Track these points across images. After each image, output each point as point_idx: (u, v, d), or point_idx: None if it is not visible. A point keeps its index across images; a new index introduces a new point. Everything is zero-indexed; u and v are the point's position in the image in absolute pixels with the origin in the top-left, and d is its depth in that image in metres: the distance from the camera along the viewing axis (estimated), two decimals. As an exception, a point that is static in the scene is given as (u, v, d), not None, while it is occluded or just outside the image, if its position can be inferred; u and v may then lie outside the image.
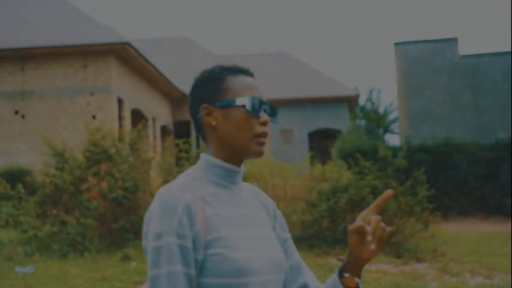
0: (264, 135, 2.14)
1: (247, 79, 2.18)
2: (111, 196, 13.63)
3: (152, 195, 14.30)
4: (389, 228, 2.05)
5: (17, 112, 18.94)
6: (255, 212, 2.22)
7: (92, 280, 10.47)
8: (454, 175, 20.67)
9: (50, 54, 18.84)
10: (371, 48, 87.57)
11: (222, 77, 2.16)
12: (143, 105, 22.14)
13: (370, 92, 41.64)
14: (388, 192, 2.09)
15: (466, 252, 13.89)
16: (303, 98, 30.07)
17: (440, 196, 19.53)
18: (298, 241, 13.63)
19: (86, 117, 18.40)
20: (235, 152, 2.15)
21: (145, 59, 20.44)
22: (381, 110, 40.82)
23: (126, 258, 12.16)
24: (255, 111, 2.13)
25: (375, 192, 13.90)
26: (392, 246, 13.46)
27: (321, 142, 31.79)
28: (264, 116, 2.15)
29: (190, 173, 2.17)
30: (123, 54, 19.34)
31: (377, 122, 39.33)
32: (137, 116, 22.09)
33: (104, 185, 14.09)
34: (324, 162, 21.27)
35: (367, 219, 2.08)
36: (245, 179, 15.29)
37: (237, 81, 2.15)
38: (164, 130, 25.98)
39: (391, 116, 40.68)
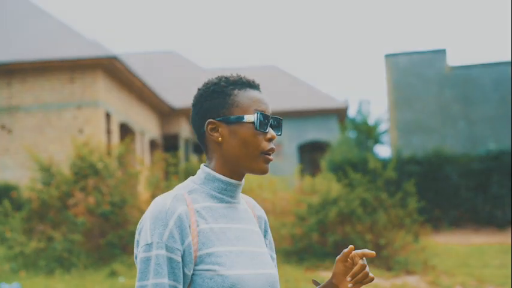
0: (271, 150, 2.11)
1: (253, 93, 2.14)
2: (99, 211, 13.51)
3: (140, 210, 14.18)
4: (371, 276, 2.10)
5: (3, 127, 18.79)
6: (251, 227, 2.19)
7: (78, 297, 10.33)
8: (445, 186, 20.60)
9: (37, 68, 18.72)
10: (361, 60, 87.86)
11: (229, 91, 2.12)
12: (131, 119, 22.02)
13: (360, 103, 41.68)
14: (350, 247, 2.15)
15: (457, 264, 13.80)
16: (293, 110, 30.02)
17: (430, 208, 19.45)
18: (287, 255, 13.51)
19: (73, 131, 18.27)
20: (240, 168, 2.12)
21: (133, 73, 20.34)
22: (371, 121, 40.84)
23: (113, 273, 12.04)
24: (262, 127, 2.09)
25: (365, 205, 13.81)
26: (383, 259, 13.35)
27: (310, 154, 31.73)
28: (271, 132, 2.11)
29: (188, 184, 2.14)
30: (111, 68, 19.23)
31: (367, 133, 39.33)
32: (125, 130, 21.97)
33: (91, 200, 13.98)
34: (313, 175, 21.18)
35: (352, 258, 2.14)
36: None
37: (243, 96, 2.11)
38: (152, 144, 25.86)
39: (382, 128, 40.70)
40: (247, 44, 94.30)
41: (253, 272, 2.06)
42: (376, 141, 40.55)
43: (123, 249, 13.43)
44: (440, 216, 20.34)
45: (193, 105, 2.17)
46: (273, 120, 2.14)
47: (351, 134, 37.81)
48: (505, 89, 25.11)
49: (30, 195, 13.98)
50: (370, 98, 73.08)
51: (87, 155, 14.14)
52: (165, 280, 1.93)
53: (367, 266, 2.11)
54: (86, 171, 14.00)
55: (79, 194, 14.08)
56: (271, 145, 2.12)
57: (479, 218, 20.47)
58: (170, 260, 1.95)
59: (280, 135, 2.20)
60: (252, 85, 2.16)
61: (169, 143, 26.78)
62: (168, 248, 1.95)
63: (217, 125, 2.10)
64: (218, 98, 2.11)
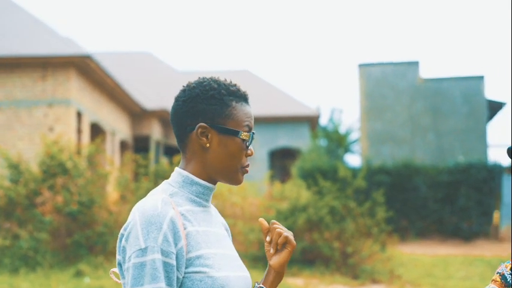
0: (248, 165, 2.17)
1: (247, 108, 2.18)
2: (66, 210, 13.43)
3: (108, 211, 14.11)
4: (286, 234, 2.14)
5: (-28, 122, 18.57)
6: (223, 232, 2.22)
7: (43, 296, 10.24)
8: (413, 197, 20.75)
9: (8, 64, 18.53)
10: (334, 68, 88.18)
11: (228, 101, 2.13)
12: (102, 119, 21.90)
13: (332, 111, 41.80)
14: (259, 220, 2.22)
15: (423, 274, 13.91)
16: (264, 116, 30.03)
17: (398, 218, 19.57)
18: (255, 260, 13.52)
19: (43, 129, 18.11)
20: (219, 177, 2.15)
21: (106, 73, 20.21)
22: (343, 130, 40.97)
23: (79, 274, 11.97)
24: (249, 145, 2.15)
25: (334, 213, 13.88)
26: (350, 267, 13.41)
27: (281, 161, 31.76)
28: (251, 148, 2.17)
29: (167, 188, 2.13)
30: (84, 67, 19.10)
31: (338, 142, 39.44)
32: (96, 130, 21.83)
33: (60, 198, 13.88)
34: (283, 181, 21.21)
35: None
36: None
37: (240, 110, 2.15)
38: (123, 145, 25.72)
39: (353, 137, 40.84)
40: (221, 47, 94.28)
41: (236, 275, 2.09)
42: (347, 150, 40.68)
43: (89, 249, 13.35)
44: (407, 227, 20.48)
45: (184, 101, 2.14)
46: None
47: (322, 142, 37.88)
48: (474, 103, 25.37)
49: (-3, 192, 13.83)
50: (342, 106, 73.37)
51: (56, 154, 14.04)
52: (162, 284, 1.92)
53: (281, 228, 2.15)
54: (54, 169, 13.91)
55: (47, 193, 13.97)
56: (248, 160, 2.18)
57: (446, 229, 20.64)
58: (165, 265, 1.94)
59: None
60: (246, 99, 2.19)
61: (140, 145, 26.66)
62: (163, 252, 1.94)
63: (208, 131, 2.11)
64: (216, 105, 2.11)
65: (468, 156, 23.20)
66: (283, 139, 30.37)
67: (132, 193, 14.61)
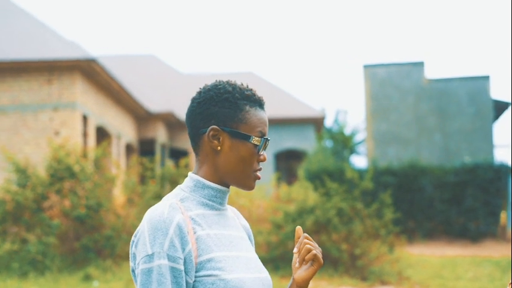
0: (260, 170, 2.17)
1: (261, 113, 2.17)
2: (74, 214, 13.43)
3: (116, 214, 14.11)
4: (314, 252, 2.12)
5: (-22, 127, 18.59)
6: (240, 234, 2.22)
7: (52, 300, 10.23)
8: (420, 198, 20.70)
9: (14, 68, 18.55)
10: (339, 70, 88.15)
11: (241, 105, 2.13)
12: (108, 123, 21.91)
13: (337, 113, 41.80)
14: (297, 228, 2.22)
15: (431, 275, 13.87)
16: (270, 118, 29.90)
17: (405, 219, 19.54)
18: (263, 262, 13.48)
19: (49, 133, 18.11)
20: (230, 181, 2.15)
21: (111, 76, 20.22)
22: (348, 131, 40.96)
23: (87, 277, 11.96)
24: (261, 150, 2.14)
25: (341, 214, 13.85)
26: (358, 269, 13.39)
27: (287, 163, 31.75)
28: (264, 153, 2.17)
29: (178, 193, 2.14)
30: (89, 70, 19.11)
31: (343, 143, 39.43)
32: (101, 133, 21.84)
33: (67, 202, 13.89)
34: (290, 183, 21.20)
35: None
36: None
37: (253, 115, 2.14)
38: (129, 148, 25.73)
39: (358, 138, 40.84)
40: (226, 49, 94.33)
41: (251, 276, 2.08)
42: (352, 151, 40.67)
43: (97, 253, 13.36)
44: (414, 228, 20.43)
45: (199, 103, 2.15)
46: (267, 143, 2.18)
47: (328, 144, 37.87)
48: (480, 103, 25.33)
49: (5, 197, 13.84)
50: (347, 107, 73.32)
51: (63, 158, 14.05)
52: None
53: (311, 244, 2.14)
54: (62, 173, 13.92)
55: (54, 197, 13.98)
56: (260, 165, 2.17)
57: (453, 230, 20.59)
58: (173, 270, 1.95)
59: None
60: (261, 104, 2.18)
61: (146, 148, 26.66)
62: (169, 258, 1.95)
63: (220, 134, 2.11)
64: (229, 108, 2.11)
65: (474, 157, 23.16)
66: (289, 141, 30.35)
67: (139, 196, 14.61)
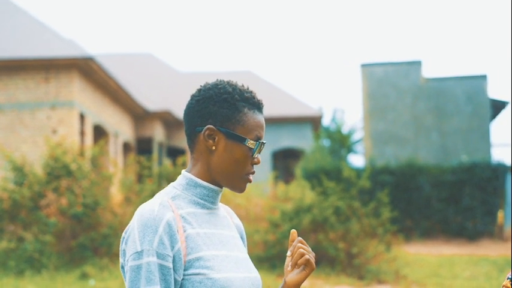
0: (253, 174, 2.16)
1: (259, 117, 2.16)
2: (71, 212, 13.42)
3: (113, 212, 14.10)
4: (307, 257, 2.13)
5: (-25, 125, 18.57)
6: (232, 233, 2.22)
7: (49, 299, 10.22)
8: (417, 197, 20.71)
9: (11, 67, 18.52)
10: (336, 69, 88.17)
11: (240, 107, 2.12)
12: (105, 121, 21.89)
13: (334, 112, 41.80)
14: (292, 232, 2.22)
15: (428, 274, 13.88)
16: (267, 117, 29.94)
17: (402, 218, 19.54)
18: (260, 261, 13.50)
19: (46, 131, 18.09)
20: (222, 182, 2.14)
21: (109, 75, 20.21)
22: (345, 130, 40.96)
23: (84, 276, 11.96)
24: (255, 154, 2.13)
25: (338, 213, 13.85)
26: (355, 268, 13.39)
27: (284, 162, 31.75)
28: (258, 157, 2.15)
29: (170, 191, 2.13)
30: (86, 69, 19.09)
31: (341, 142, 39.42)
32: (99, 132, 21.82)
33: (64, 201, 13.87)
34: (287, 182, 21.18)
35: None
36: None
37: (251, 118, 2.13)
38: (126, 146, 25.70)
39: (355, 137, 40.84)
40: (224, 48, 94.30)
41: (240, 276, 2.08)
42: (350, 150, 40.68)
43: (94, 251, 13.35)
44: (411, 227, 20.44)
45: (197, 101, 2.14)
46: (263, 146, 2.17)
47: (325, 142, 37.87)
48: (478, 102, 25.34)
49: (2, 195, 13.82)
50: (345, 107, 73.38)
51: (60, 156, 14.03)
52: (157, 287, 1.93)
53: (305, 248, 2.15)
54: (59, 171, 13.90)
55: (51, 195, 13.97)
56: (254, 168, 2.16)
57: (450, 229, 20.59)
58: (161, 267, 1.95)
59: None
60: (260, 107, 2.17)
61: (143, 146, 26.65)
62: (158, 255, 1.95)
63: (216, 134, 2.11)
64: (228, 109, 2.11)
65: (472, 156, 23.17)
66: (286, 140, 30.35)
67: (137, 195, 14.60)
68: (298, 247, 2.14)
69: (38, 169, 14.80)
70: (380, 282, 12.93)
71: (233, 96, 2.12)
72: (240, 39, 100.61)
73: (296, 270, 2.15)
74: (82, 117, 19.44)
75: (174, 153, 27.83)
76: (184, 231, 2.02)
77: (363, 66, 26.13)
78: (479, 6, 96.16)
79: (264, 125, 2.17)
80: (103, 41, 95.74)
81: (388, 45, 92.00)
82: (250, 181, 2.16)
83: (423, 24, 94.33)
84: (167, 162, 17.29)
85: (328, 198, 14.16)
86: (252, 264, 2.21)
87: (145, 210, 2.00)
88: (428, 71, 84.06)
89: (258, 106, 2.16)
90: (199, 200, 2.13)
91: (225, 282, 2.01)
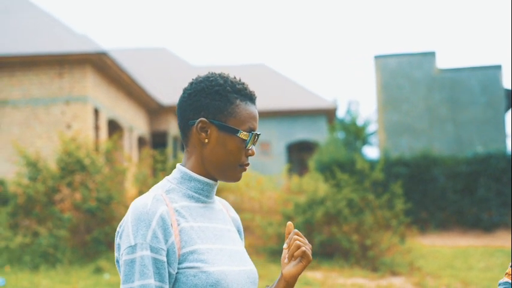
0: (248, 165, 2.16)
1: (251, 108, 2.15)
2: (85, 207, 13.48)
3: (126, 207, 14.14)
4: (303, 248, 2.12)
5: (-10, 121, 18.68)
6: (227, 227, 2.21)
7: (63, 293, 10.28)
8: (432, 189, 20.63)
9: (26, 62, 18.61)
10: (350, 60, 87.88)
11: (232, 98, 2.12)
12: (120, 116, 21.95)
13: (349, 104, 41.73)
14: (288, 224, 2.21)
15: (443, 266, 13.84)
16: (282, 110, 30.00)
17: (417, 210, 19.48)
18: (273, 254, 13.52)
19: (60, 126, 18.17)
20: (215, 174, 2.14)
21: (122, 69, 20.26)
22: (360, 122, 40.89)
23: (99, 270, 12.01)
24: (249, 145, 2.12)
25: (352, 205, 13.83)
26: (369, 260, 13.37)
27: (299, 154, 31.73)
28: (252, 149, 2.15)
29: (164, 184, 2.14)
30: (100, 64, 19.15)
31: (355, 134, 39.36)
32: (113, 126, 21.89)
33: (78, 195, 13.94)
34: (301, 175, 21.18)
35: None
36: (221, 191, 15.18)
37: (243, 109, 2.12)
38: (141, 141, 25.78)
39: (370, 129, 40.76)
40: (237, 42, 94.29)
41: (235, 269, 2.08)
42: (365, 142, 40.60)
43: (108, 245, 13.40)
44: (426, 218, 20.37)
45: (189, 94, 2.15)
46: (257, 137, 2.16)
47: (340, 135, 37.81)
48: (492, 93, 25.20)
49: (16, 190, 13.92)
50: (359, 98, 73.16)
51: (74, 151, 14.09)
52: (152, 281, 1.93)
53: (301, 240, 2.14)
54: (72, 166, 13.97)
55: (65, 190, 14.04)
56: (248, 160, 2.16)
57: (466, 220, 20.50)
58: (155, 261, 1.95)
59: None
60: (252, 99, 2.16)
61: (158, 140, 26.72)
62: (152, 249, 1.95)
63: (208, 127, 2.10)
64: (219, 101, 2.10)
65: (487, 147, 23.05)
66: (301, 132, 30.32)
67: (150, 188, 14.63)
68: (295, 239, 2.14)
69: (52, 164, 14.88)
70: (394, 274, 12.91)
71: (225, 88, 2.11)
72: (254, 32, 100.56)
73: (293, 263, 2.15)
74: (96, 112, 19.51)
75: (189, 147, 27.83)
76: (178, 224, 2.02)
77: (377, 57, 26.04)
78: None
79: (257, 116, 2.16)
80: (116, 36, 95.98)
81: (401, 36, 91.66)
82: (245, 170, 2.17)
83: (437, 14, 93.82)
84: (182, 155, 17.31)
85: (341, 190, 14.15)
86: (248, 257, 2.21)
87: (139, 204, 2.00)
88: (443, 62, 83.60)
89: (250, 97, 2.15)
90: (194, 194, 2.13)
91: (219, 275, 2.01)
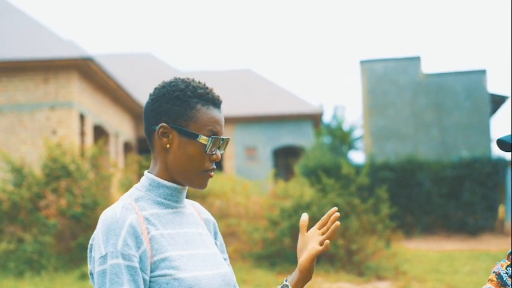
0: (213, 170, 2.13)
1: (214, 112, 2.12)
2: (70, 213, 13.43)
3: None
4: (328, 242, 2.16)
5: (-25, 127, 18.59)
6: (199, 230, 2.19)
7: (47, 299, 10.24)
8: (417, 193, 20.71)
9: (10, 68, 18.54)
10: (336, 65, 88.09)
11: (192, 103, 2.10)
12: (105, 121, 21.91)
13: (335, 109, 41.80)
14: (333, 210, 2.26)
15: (428, 270, 13.88)
16: (268, 115, 30.02)
17: (403, 214, 19.54)
18: (259, 259, 13.51)
19: (46, 132, 18.11)
20: (180, 178, 2.12)
21: (108, 75, 20.22)
22: (346, 127, 40.97)
23: (84, 276, 11.97)
24: (211, 150, 2.10)
25: (338, 210, 13.82)
26: (354, 264, 13.39)
27: (285, 159, 31.75)
28: (217, 153, 2.12)
29: (133, 192, 2.12)
30: (86, 69, 19.11)
31: (341, 139, 39.43)
32: (99, 132, 21.84)
33: (63, 201, 13.89)
34: (287, 180, 21.19)
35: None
36: (207, 196, 15.18)
37: (204, 113, 2.10)
38: (127, 146, 25.74)
39: (356, 133, 40.84)
40: (223, 47, 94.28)
41: (208, 273, 2.06)
42: (351, 147, 40.67)
43: (94, 251, 13.34)
44: (412, 223, 20.44)
45: (152, 99, 2.14)
46: (223, 142, 2.14)
47: (326, 140, 37.86)
48: (477, 97, 25.31)
49: (1, 196, 13.84)
50: (345, 103, 73.37)
51: (59, 157, 14.04)
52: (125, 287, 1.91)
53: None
54: (58, 172, 13.92)
55: (51, 196, 13.99)
56: (214, 165, 2.13)
57: (451, 224, 20.60)
58: (128, 268, 1.93)
59: (223, 152, 2.20)
60: (216, 103, 2.14)
61: (144, 146, 26.66)
62: (124, 256, 1.93)
63: (169, 132, 2.09)
64: (180, 106, 2.09)
65: (472, 151, 23.16)
66: (287, 137, 30.34)
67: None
68: (337, 226, 2.21)
69: (37, 170, 14.82)
70: (380, 278, 12.94)
71: (185, 93, 2.10)
72: (240, 37, 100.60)
73: (306, 252, 2.17)
74: (82, 117, 19.46)
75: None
76: (148, 233, 2.01)
77: (362, 62, 26.11)
78: (478, 1, 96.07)
79: (221, 120, 2.14)
80: (102, 42, 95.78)
81: (387, 41, 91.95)
82: (210, 177, 2.14)
83: (422, 19, 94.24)
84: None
85: (327, 195, 14.16)
86: (222, 260, 2.20)
87: (108, 214, 1.99)
88: (428, 67, 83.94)
89: (213, 102, 2.13)
90: (163, 200, 2.11)
91: (192, 281, 1.99)
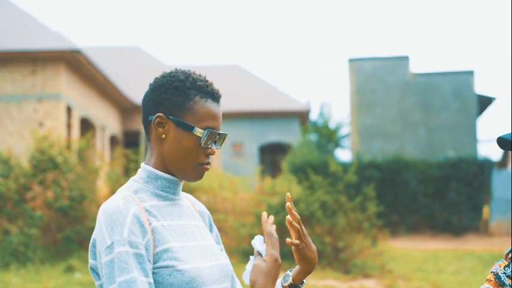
0: (208, 164, 2.10)
1: (212, 106, 2.09)
2: (57, 205, 13.38)
3: (99, 205, 14.06)
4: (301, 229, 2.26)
5: (-38, 117, 18.49)
6: (196, 222, 2.18)
7: (34, 292, 10.19)
8: (403, 192, 20.78)
9: (-2, 59, 18.46)
10: (324, 63, 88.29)
11: (191, 95, 2.07)
12: (92, 114, 21.83)
13: (322, 106, 41.82)
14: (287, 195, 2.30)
15: (414, 269, 13.92)
16: (255, 111, 30.02)
17: (389, 213, 19.60)
18: (246, 255, 13.50)
19: (33, 124, 18.04)
20: (174, 170, 2.10)
21: (96, 67, 20.15)
22: (333, 125, 40.99)
23: (70, 269, 11.92)
24: (206, 144, 2.07)
25: (325, 207, 13.86)
26: (341, 262, 13.41)
27: (271, 156, 31.77)
28: (213, 148, 2.10)
29: (131, 185, 2.11)
30: (73, 62, 19.03)
31: (328, 136, 39.45)
32: (86, 125, 21.77)
33: (50, 194, 13.83)
34: (274, 176, 21.20)
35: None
36: (194, 191, 15.16)
37: (202, 106, 2.07)
38: (113, 140, 25.66)
39: (343, 131, 40.88)
40: (212, 42, 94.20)
41: (207, 265, 2.06)
42: (337, 144, 40.71)
43: (80, 244, 13.31)
44: (398, 221, 20.51)
45: (151, 89, 2.12)
46: (219, 136, 2.12)
47: (312, 137, 37.88)
48: (464, 98, 25.41)
49: (-13, 188, 13.76)
50: (332, 101, 73.44)
51: (46, 149, 13.98)
52: (134, 274, 1.88)
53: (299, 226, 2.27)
54: (45, 164, 13.85)
55: (37, 188, 13.92)
56: (209, 159, 2.11)
57: (436, 224, 20.69)
58: (136, 256, 1.91)
59: (219, 148, 2.19)
60: (215, 97, 2.12)
61: (130, 140, 26.61)
62: (131, 244, 1.90)
63: (166, 122, 2.07)
64: (178, 96, 2.07)
65: (458, 151, 23.26)
66: (274, 134, 30.36)
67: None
68: (305, 235, 2.31)
69: (24, 162, 14.75)
70: (366, 276, 12.96)
71: (184, 84, 2.08)
72: (228, 33, 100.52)
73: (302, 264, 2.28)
74: (69, 110, 19.38)
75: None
76: (150, 224, 1.99)
77: (351, 61, 26.15)
78: (466, 2, 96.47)
79: (219, 114, 2.11)
80: (90, 34, 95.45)
81: (376, 40, 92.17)
82: (205, 169, 2.11)
83: (411, 19, 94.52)
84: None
85: (314, 192, 14.17)
86: (219, 251, 2.20)
87: (110, 205, 1.96)
88: (416, 67, 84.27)
89: (212, 95, 2.11)
90: (161, 192, 2.10)
91: (193, 272, 1.99)
